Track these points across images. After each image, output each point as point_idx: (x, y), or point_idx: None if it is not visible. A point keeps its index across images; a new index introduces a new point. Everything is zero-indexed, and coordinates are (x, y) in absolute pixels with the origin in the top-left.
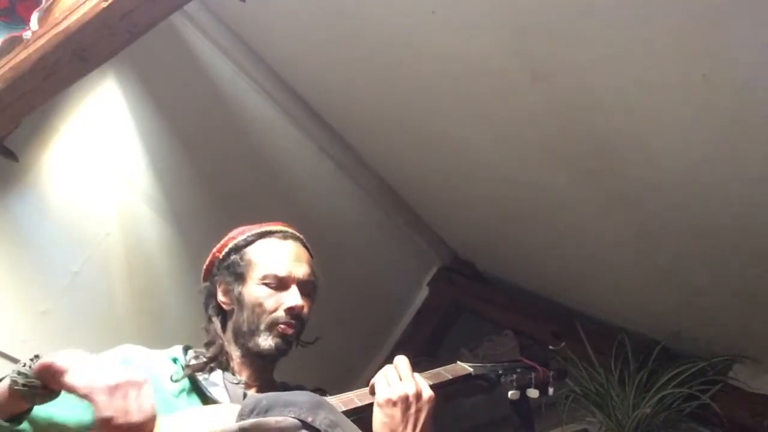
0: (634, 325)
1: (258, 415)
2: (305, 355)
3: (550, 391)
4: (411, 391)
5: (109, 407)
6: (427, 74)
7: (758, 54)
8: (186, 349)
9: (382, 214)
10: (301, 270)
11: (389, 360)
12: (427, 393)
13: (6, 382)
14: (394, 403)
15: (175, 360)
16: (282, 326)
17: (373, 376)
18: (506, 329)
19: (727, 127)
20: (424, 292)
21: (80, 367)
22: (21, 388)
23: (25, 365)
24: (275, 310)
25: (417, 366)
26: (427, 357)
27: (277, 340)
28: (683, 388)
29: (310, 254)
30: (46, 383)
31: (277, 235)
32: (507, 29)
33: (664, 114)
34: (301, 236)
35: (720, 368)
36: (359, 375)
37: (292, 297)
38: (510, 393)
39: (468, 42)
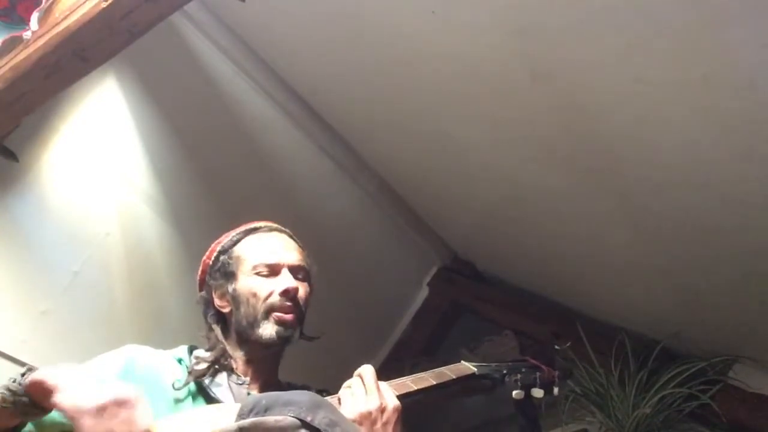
0: (634, 325)
1: (257, 414)
2: (305, 355)
3: (555, 390)
4: (374, 407)
5: (94, 430)
6: (427, 74)
7: (758, 54)
8: (191, 349)
9: (382, 214)
10: (291, 256)
11: (389, 359)
12: (392, 404)
13: None
14: (360, 422)
15: (180, 360)
16: (279, 313)
17: None
18: (506, 329)
19: (727, 127)
20: (424, 292)
21: (70, 387)
22: (10, 406)
23: (15, 381)
24: (269, 295)
25: (417, 366)
26: (427, 357)
27: (278, 327)
28: (683, 388)
29: (300, 246)
30: (36, 401)
31: (262, 230)
32: (507, 29)
33: (664, 114)
34: (287, 230)
35: (720, 368)
36: None
37: (285, 280)
38: (514, 393)
39: (468, 42)
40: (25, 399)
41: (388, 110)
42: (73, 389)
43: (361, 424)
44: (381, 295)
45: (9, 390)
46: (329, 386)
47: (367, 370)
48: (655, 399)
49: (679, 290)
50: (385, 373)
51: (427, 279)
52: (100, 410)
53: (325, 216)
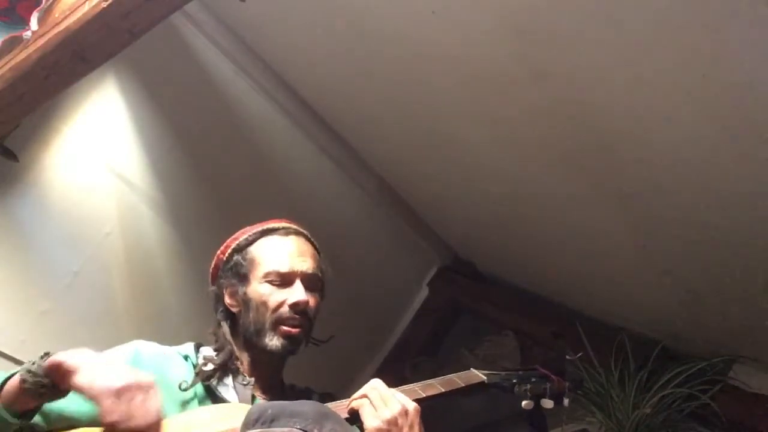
0: (634, 325)
1: (263, 424)
2: (306, 355)
3: (566, 401)
4: (397, 410)
5: (113, 412)
6: (427, 74)
7: (758, 54)
8: (198, 347)
9: (382, 214)
10: (305, 264)
11: (390, 359)
12: (412, 405)
13: (16, 380)
14: (388, 430)
15: (186, 357)
16: (286, 327)
17: (373, 377)
18: (506, 329)
19: (727, 126)
20: (424, 292)
21: (89, 368)
22: (30, 386)
23: (34, 363)
24: (279, 306)
25: (417, 366)
26: (427, 357)
27: (284, 340)
28: (683, 388)
29: (316, 249)
30: (55, 382)
31: (279, 232)
32: (507, 29)
33: (664, 114)
34: (305, 232)
35: (720, 368)
36: (359, 375)
37: (296, 293)
38: (524, 403)
39: (468, 42)
40: (45, 381)
41: (388, 110)
42: (93, 371)
43: (389, 431)
44: (381, 296)
45: (29, 372)
46: (330, 386)
47: (379, 383)
48: (655, 399)
49: (679, 290)
50: (385, 373)
51: (427, 279)
52: (119, 392)
53: (324, 216)
